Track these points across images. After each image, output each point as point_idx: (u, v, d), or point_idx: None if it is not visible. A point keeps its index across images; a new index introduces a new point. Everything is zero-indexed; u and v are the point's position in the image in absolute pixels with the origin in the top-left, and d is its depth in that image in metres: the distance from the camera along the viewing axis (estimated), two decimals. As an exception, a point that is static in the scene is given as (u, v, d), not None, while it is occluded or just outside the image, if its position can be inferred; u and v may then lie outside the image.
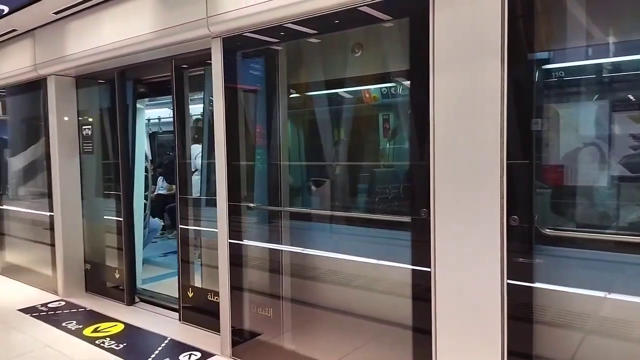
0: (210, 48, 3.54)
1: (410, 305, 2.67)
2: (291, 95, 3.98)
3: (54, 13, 4.44)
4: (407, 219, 2.68)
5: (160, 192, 7.41)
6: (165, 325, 4.23)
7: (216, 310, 3.77)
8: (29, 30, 5.02)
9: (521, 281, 2.29)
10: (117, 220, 4.65)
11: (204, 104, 4.60)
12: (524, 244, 2.29)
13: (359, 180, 4.06)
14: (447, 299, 2.46)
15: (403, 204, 3.16)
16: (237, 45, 3.45)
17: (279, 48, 3.62)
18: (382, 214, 3.38)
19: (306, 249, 3.48)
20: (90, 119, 5.18)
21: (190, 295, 4.35)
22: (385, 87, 3.92)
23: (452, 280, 2.44)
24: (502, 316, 2.29)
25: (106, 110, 5.00)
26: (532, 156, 2.26)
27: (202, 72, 4.30)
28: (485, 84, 2.28)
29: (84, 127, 4.97)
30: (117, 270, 4.63)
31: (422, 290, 2.57)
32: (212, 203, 4.76)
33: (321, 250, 3.40)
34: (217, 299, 4.15)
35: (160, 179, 7.58)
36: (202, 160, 4.66)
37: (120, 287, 4.79)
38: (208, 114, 4.85)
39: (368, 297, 3.20)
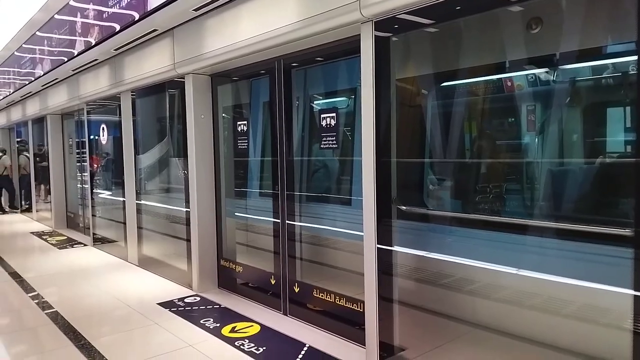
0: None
1: (631, 341, 2.12)
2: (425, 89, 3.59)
3: (194, 10, 4.45)
4: (626, 231, 2.13)
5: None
6: (299, 328, 4.05)
7: (326, 308, 3.92)
8: (168, 30, 5.14)
9: None
10: (273, 221, 4.47)
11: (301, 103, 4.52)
12: None
13: (510, 180, 3.56)
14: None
15: (606, 211, 2.60)
16: (389, 30, 3.11)
17: (431, 31, 3.21)
18: (569, 222, 2.82)
19: (475, 261, 3.04)
20: (244, 115, 5.20)
21: (297, 290, 4.24)
22: (533, 74, 3.37)
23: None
24: None
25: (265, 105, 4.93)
26: None
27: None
28: None
29: (239, 123, 4.93)
30: (272, 276, 4.52)
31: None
32: (314, 199, 4.66)
33: (490, 262, 2.95)
34: (322, 295, 4.00)
35: None
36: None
37: (271, 293, 4.63)
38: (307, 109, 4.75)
39: (555, 322, 2.68)
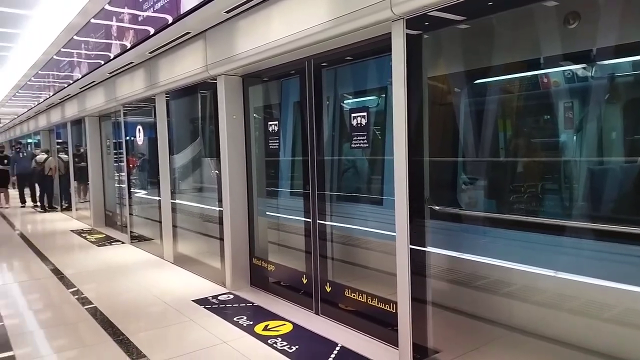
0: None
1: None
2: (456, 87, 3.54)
3: (225, 12, 4.51)
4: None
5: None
6: (331, 327, 4.07)
7: (358, 308, 3.91)
8: (200, 32, 5.23)
9: None
10: (305, 220, 4.49)
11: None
12: None
13: (546, 179, 3.46)
14: None
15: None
16: (420, 27, 3.08)
17: (463, 27, 3.16)
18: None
19: (510, 263, 2.99)
20: (275, 115, 5.25)
21: (328, 290, 4.24)
22: (570, 71, 3.26)
23: None
24: None
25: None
26: None
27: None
28: None
29: (269, 123, 4.98)
30: (304, 275, 4.55)
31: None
32: (344, 199, 4.67)
33: (526, 264, 2.89)
34: (354, 295, 3.99)
35: None
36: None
37: (302, 292, 4.64)
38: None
39: (595, 326, 2.61)
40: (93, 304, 4.91)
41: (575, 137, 3.28)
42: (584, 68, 3.14)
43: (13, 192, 15.17)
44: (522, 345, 2.97)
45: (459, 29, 3.13)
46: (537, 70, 3.31)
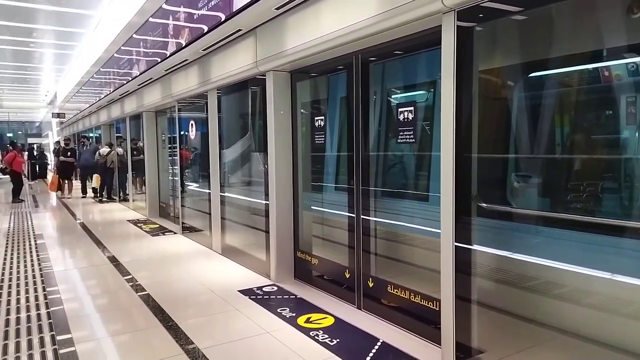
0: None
1: None
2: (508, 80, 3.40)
3: (275, 9, 4.58)
4: None
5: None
6: (373, 323, 4.05)
7: (400, 304, 3.91)
8: (251, 29, 5.33)
9: None
10: (349, 216, 4.51)
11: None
12: None
13: (607, 177, 3.27)
14: None
15: None
16: (472, 19, 2.99)
17: (517, 18, 3.05)
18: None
19: (563, 264, 2.86)
20: (322, 110, 5.30)
21: (371, 285, 4.23)
22: (634, 63, 3.05)
23: None
24: None
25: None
26: None
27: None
28: None
29: (316, 118, 5.03)
30: (347, 270, 4.58)
31: None
32: (389, 195, 4.63)
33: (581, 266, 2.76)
34: (397, 291, 3.94)
35: None
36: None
37: (345, 286, 4.64)
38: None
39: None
40: (146, 290, 5.13)
41: (638, 134, 3.08)
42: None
43: (76, 183, 16.08)
44: (574, 349, 2.84)
45: (512, 20, 3.02)
46: (597, 62, 3.15)
